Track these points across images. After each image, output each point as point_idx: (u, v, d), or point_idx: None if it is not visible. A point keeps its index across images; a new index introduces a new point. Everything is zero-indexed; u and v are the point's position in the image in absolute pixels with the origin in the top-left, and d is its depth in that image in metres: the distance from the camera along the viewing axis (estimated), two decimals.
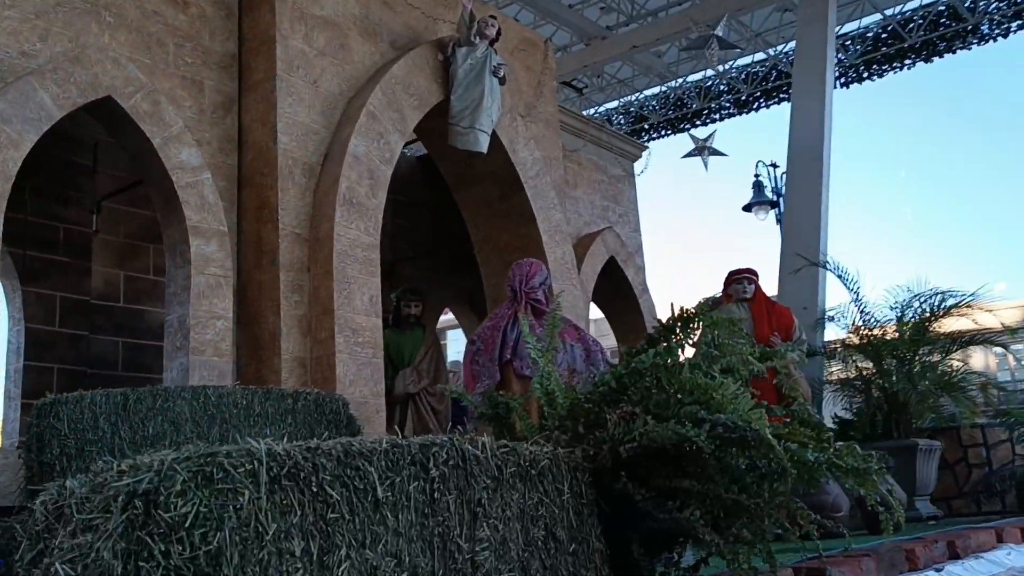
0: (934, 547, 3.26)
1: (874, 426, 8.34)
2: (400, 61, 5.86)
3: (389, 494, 1.54)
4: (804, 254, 8.21)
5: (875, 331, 8.24)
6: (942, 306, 8.31)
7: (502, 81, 6.25)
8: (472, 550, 1.68)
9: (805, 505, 2.12)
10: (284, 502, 1.36)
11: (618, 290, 8.44)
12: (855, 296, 8.24)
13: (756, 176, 12.92)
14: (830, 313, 8.56)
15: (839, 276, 8.26)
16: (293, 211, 5.16)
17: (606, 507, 2.08)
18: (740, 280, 6.36)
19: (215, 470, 1.30)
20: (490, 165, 6.68)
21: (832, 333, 9.15)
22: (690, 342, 2.31)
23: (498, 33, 6.25)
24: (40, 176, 5.77)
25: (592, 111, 14.06)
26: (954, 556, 3.41)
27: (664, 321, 2.40)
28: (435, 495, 1.64)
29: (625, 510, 2.07)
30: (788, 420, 2.14)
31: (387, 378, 5.72)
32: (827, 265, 8.20)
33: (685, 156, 11.55)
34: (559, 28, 11.99)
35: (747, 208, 12.25)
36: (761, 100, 13.50)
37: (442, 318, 10.02)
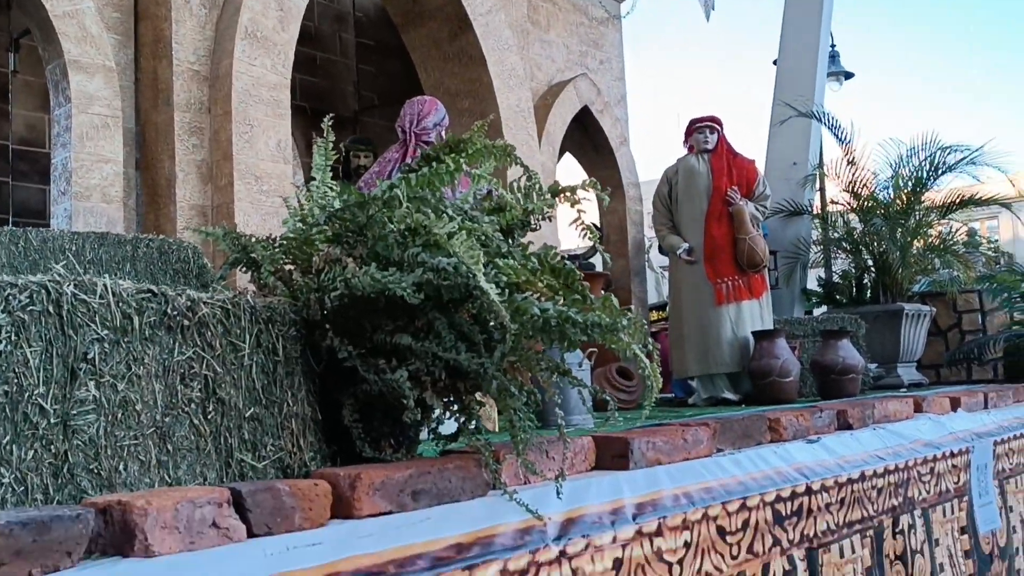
0: (814, 417, 2.92)
1: (861, 290, 7.92)
2: None
3: None
4: (794, 104, 7.59)
5: (868, 189, 7.71)
6: (942, 163, 7.71)
7: None
8: (65, 413, 1.38)
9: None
10: None
11: (593, 143, 7.95)
12: (846, 150, 7.67)
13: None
14: (820, 170, 8.00)
15: (829, 128, 7.67)
16: (190, 45, 4.74)
17: (316, 367, 1.77)
18: (701, 129, 5.84)
19: None
20: (437, 0, 6.13)
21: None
22: (462, 172, 1.93)
23: None
24: None
25: None
26: (846, 427, 3.08)
27: (434, 148, 2.01)
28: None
29: (342, 371, 1.75)
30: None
31: None
32: (817, 115, 7.59)
33: None
34: None
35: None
36: None
37: None
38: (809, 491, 2.56)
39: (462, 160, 1.87)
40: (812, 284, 8.55)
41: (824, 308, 8.18)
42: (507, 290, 1.64)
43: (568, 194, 2.02)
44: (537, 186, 2.01)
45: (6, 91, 5.83)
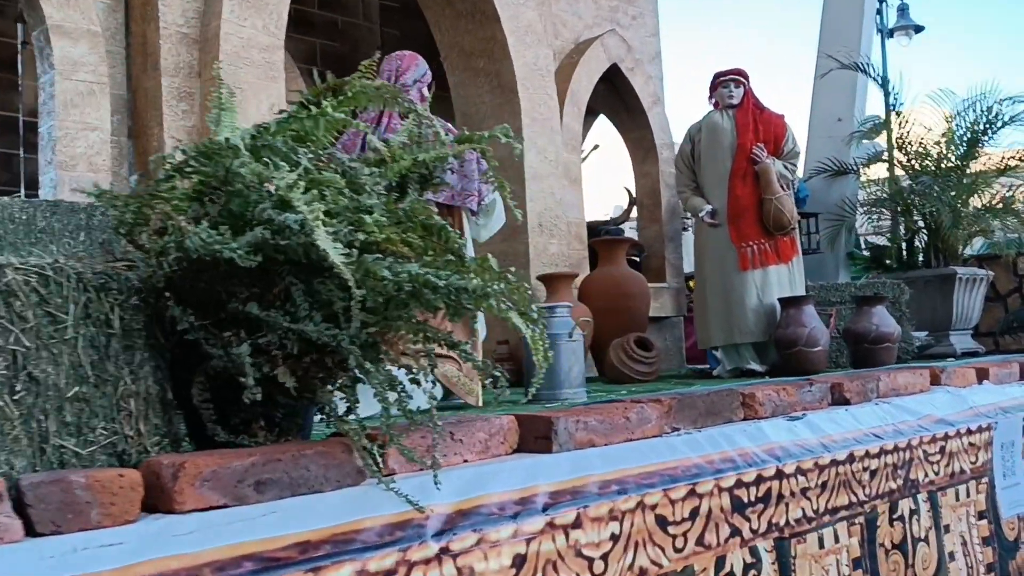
0: (801, 391, 2.63)
1: (911, 253, 7.45)
2: None
3: None
4: (837, 56, 7.13)
5: (922, 145, 7.22)
6: (1000, 115, 7.17)
7: None
8: None
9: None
10: None
11: (624, 103, 7.59)
12: (894, 103, 7.18)
13: None
14: (867, 124, 7.52)
15: (875, 79, 7.18)
16: (179, 7, 4.58)
17: (167, 340, 1.58)
18: (726, 83, 5.49)
19: None
20: None
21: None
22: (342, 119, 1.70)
23: None
24: None
25: None
26: (841, 402, 2.78)
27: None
28: None
29: (195, 345, 1.56)
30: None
31: None
32: (861, 67, 7.11)
33: None
34: None
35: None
36: None
37: None
38: (781, 475, 2.29)
39: (338, 104, 1.64)
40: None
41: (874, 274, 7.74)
42: (363, 251, 1.42)
43: (475, 143, 1.77)
44: (431, 133, 1.77)
45: (15, 63, 5.79)
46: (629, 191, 7.86)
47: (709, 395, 2.35)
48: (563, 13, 7.11)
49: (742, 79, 5.48)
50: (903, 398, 2.93)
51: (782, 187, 5.29)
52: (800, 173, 7.87)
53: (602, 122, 8.61)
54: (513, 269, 1.47)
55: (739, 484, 2.15)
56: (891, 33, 11.63)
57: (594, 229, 7.28)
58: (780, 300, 5.15)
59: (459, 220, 3.67)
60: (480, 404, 3.44)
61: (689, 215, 6.36)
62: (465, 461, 1.80)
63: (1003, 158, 7.17)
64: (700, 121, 5.62)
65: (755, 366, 5.28)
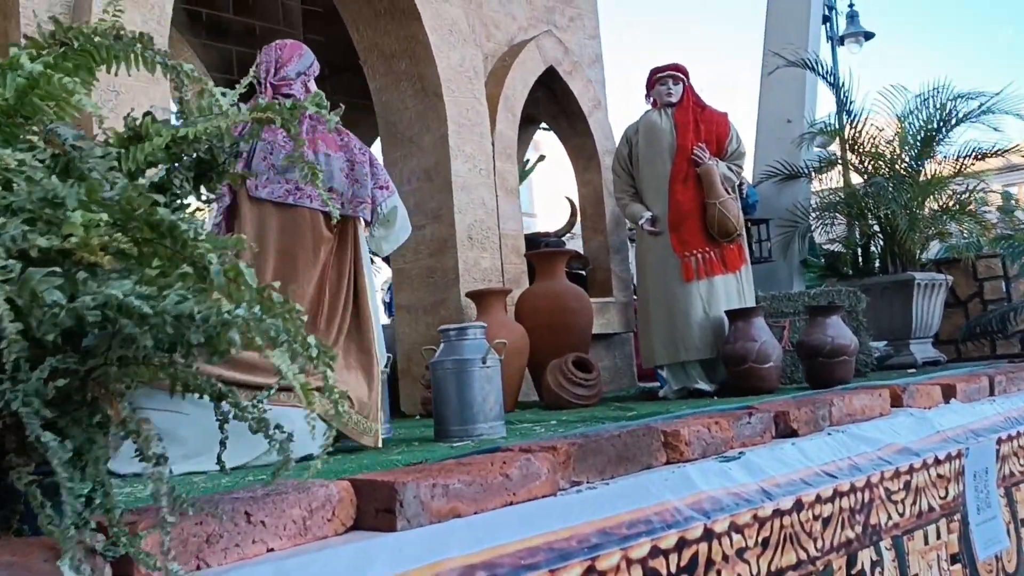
0: (738, 424, 2.17)
1: (867, 259, 7.09)
2: None
3: None
4: (784, 54, 6.77)
5: (874, 145, 6.88)
6: (954, 113, 6.84)
7: None
8: None
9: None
10: None
11: (563, 109, 7.17)
12: (844, 101, 6.83)
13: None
14: (818, 125, 7.17)
15: (823, 77, 6.83)
16: (43, 1, 4.07)
17: None
18: (663, 80, 5.08)
19: None
20: None
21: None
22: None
23: None
24: None
25: None
26: (788, 434, 2.34)
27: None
28: None
29: None
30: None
31: None
32: (808, 63, 6.76)
33: None
34: None
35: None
36: None
37: None
38: (710, 535, 1.83)
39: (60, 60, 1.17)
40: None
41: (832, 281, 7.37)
42: (48, 262, 0.94)
43: (275, 113, 1.29)
44: (210, 104, 1.29)
45: None
46: (571, 200, 7.43)
47: (621, 436, 1.88)
48: (495, 14, 6.68)
49: (681, 75, 5.07)
50: (860, 425, 2.50)
51: (727, 190, 4.88)
52: (749, 177, 7.50)
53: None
54: (278, 284, 1.00)
55: (655, 552, 1.69)
56: (842, 40, 11.41)
57: (534, 242, 6.83)
58: (727, 313, 4.73)
59: (354, 231, 3.20)
60: (379, 445, 2.96)
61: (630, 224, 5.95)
62: (271, 551, 1.32)
63: (958, 157, 6.85)
64: (637, 121, 5.21)
65: (703, 386, 4.85)
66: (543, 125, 7.88)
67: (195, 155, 1.26)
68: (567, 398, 4.73)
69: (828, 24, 9.81)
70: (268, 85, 3.21)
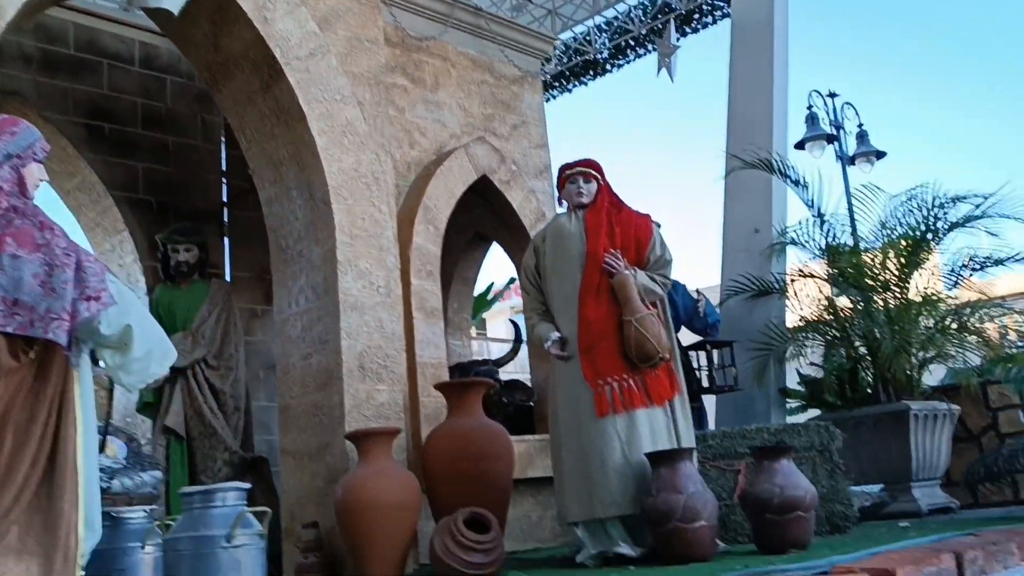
0: None
1: (855, 387, 6.09)
2: None
3: None
4: (743, 156, 6.02)
5: (857, 256, 6.03)
6: (945, 217, 5.99)
7: None
8: None
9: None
10: None
11: (502, 221, 6.44)
12: (814, 207, 6.02)
13: (809, 107, 11.07)
14: (790, 235, 6.33)
15: (788, 179, 6.04)
16: None
17: None
18: (574, 178, 4.30)
19: None
20: (239, 43, 4.82)
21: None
22: None
23: None
24: None
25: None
26: None
27: None
28: None
29: None
30: None
31: None
32: (771, 165, 5.98)
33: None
34: None
35: (799, 145, 10.32)
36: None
37: None
38: None
39: None
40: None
41: (816, 412, 6.36)
42: None
43: None
44: None
45: None
46: (515, 323, 6.58)
47: None
48: (420, 120, 6.04)
49: (593, 171, 4.29)
50: None
51: (647, 305, 4.01)
52: (716, 294, 6.61)
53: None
54: None
55: None
56: (852, 160, 10.67)
57: (467, 371, 5.97)
58: (648, 456, 3.79)
59: (63, 359, 2.37)
60: None
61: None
62: None
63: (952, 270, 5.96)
64: (545, 227, 4.42)
65: (626, 550, 3.85)
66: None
67: None
68: (456, 567, 3.79)
69: (836, 144, 9.11)
70: None
